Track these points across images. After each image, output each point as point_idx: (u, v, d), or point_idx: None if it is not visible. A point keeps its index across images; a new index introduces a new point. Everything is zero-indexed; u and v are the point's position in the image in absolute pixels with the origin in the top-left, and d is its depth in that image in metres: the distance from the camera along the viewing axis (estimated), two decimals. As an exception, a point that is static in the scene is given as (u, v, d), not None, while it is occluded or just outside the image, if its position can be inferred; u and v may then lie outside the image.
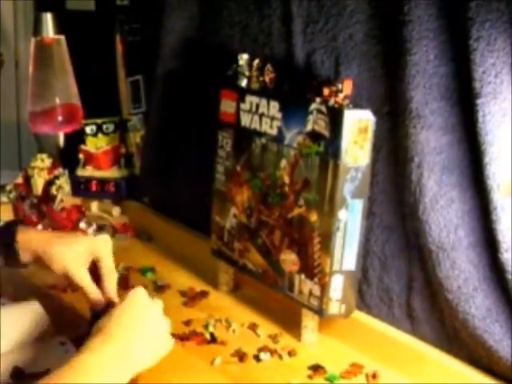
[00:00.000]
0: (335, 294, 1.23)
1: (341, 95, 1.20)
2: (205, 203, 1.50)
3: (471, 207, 1.12)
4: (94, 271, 1.23)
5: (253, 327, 1.35)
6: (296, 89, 1.32)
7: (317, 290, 1.25)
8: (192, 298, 1.46)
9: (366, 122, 1.18)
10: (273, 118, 1.31)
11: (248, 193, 1.38)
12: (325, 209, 1.21)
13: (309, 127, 1.24)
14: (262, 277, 1.37)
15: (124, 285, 1.50)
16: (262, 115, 1.33)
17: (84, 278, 1.20)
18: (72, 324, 1.27)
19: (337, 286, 1.23)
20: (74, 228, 1.81)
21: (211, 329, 1.33)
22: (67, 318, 1.30)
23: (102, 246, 1.23)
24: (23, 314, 1.29)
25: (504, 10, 1.02)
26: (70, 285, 1.26)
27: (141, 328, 1.06)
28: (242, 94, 1.38)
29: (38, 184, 1.83)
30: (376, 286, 1.28)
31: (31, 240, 1.24)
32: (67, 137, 2.03)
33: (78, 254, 1.21)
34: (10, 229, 1.26)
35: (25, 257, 1.25)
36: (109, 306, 1.24)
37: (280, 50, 1.41)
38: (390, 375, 1.20)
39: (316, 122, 1.22)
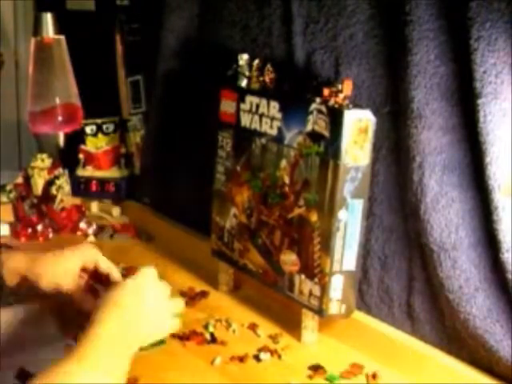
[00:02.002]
0: (335, 294, 1.23)
1: (341, 95, 1.20)
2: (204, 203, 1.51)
3: (472, 207, 1.12)
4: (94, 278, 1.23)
5: (253, 327, 1.35)
6: (296, 89, 1.32)
7: (317, 290, 1.24)
8: (192, 298, 1.46)
9: (366, 122, 1.18)
10: (273, 118, 1.31)
11: (248, 193, 1.38)
12: (325, 209, 1.21)
13: (309, 127, 1.24)
14: (262, 277, 1.37)
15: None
16: (262, 115, 1.33)
17: (76, 289, 1.19)
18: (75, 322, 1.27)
19: (337, 286, 1.23)
20: (74, 228, 1.81)
21: (211, 329, 1.33)
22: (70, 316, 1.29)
23: (91, 253, 1.23)
24: (29, 315, 1.29)
25: (504, 10, 1.02)
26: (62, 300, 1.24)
27: (151, 302, 1.06)
28: (242, 93, 1.38)
29: (38, 184, 1.83)
30: (376, 286, 1.28)
31: (16, 262, 1.21)
32: (67, 137, 2.03)
33: (67, 269, 1.20)
34: None
35: (11, 280, 1.22)
36: None
37: (280, 50, 1.41)
38: (389, 375, 1.20)
39: (316, 122, 1.22)
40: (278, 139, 1.30)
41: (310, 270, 1.25)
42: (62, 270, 1.19)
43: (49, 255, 1.23)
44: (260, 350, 1.27)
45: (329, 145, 1.20)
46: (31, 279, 1.20)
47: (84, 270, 1.22)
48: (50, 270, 1.19)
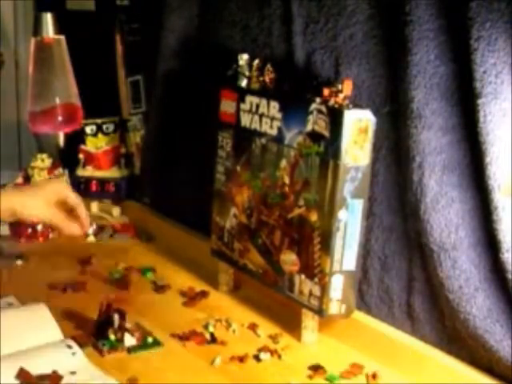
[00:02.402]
0: (335, 294, 1.23)
1: (341, 95, 1.20)
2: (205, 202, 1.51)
3: (472, 207, 1.12)
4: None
5: (253, 327, 1.35)
6: (296, 89, 1.32)
7: (317, 290, 1.24)
8: (192, 298, 1.46)
9: (366, 122, 1.18)
10: (273, 118, 1.31)
11: (248, 193, 1.38)
12: (325, 209, 1.21)
13: (309, 127, 1.24)
14: (262, 277, 1.37)
15: (124, 285, 1.51)
16: (262, 115, 1.33)
17: (57, 218, 1.31)
18: None
19: (337, 286, 1.23)
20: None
21: (211, 329, 1.33)
22: None
23: (62, 186, 1.36)
24: (30, 315, 1.29)
25: (504, 10, 1.02)
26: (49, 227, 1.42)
27: None
28: (242, 93, 1.38)
29: (38, 184, 1.83)
30: (376, 286, 1.28)
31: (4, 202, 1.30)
32: (67, 137, 2.03)
33: (45, 199, 1.31)
34: None
35: (3, 218, 1.31)
36: (110, 307, 1.26)
37: (280, 50, 1.41)
38: (390, 375, 1.20)
39: (316, 122, 1.22)
40: (278, 139, 1.30)
41: (310, 270, 1.25)
42: (41, 202, 1.31)
43: (27, 191, 1.36)
44: (260, 350, 1.27)
45: (329, 145, 1.20)
46: (18, 215, 1.29)
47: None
48: (33, 204, 1.30)
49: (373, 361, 1.23)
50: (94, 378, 1.16)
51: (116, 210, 1.90)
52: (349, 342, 1.29)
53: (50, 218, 1.31)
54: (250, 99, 1.36)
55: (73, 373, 1.16)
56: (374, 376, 1.19)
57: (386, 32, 1.21)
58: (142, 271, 1.57)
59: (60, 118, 1.65)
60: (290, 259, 1.30)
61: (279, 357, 1.26)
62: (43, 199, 1.31)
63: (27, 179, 1.84)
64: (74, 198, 1.34)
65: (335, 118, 1.19)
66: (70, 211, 1.34)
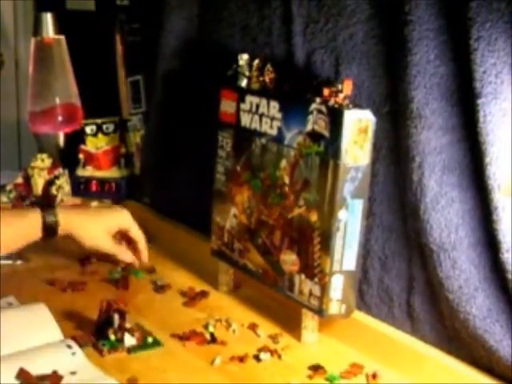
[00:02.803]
0: (335, 294, 1.23)
1: (341, 95, 1.20)
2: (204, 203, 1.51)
3: (472, 207, 1.12)
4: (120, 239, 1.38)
5: (253, 327, 1.35)
6: (296, 89, 1.32)
7: (317, 290, 1.24)
8: (192, 298, 1.46)
9: (366, 122, 1.18)
10: (273, 118, 1.31)
11: (248, 193, 1.38)
12: (325, 209, 1.21)
13: (309, 127, 1.24)
14: (262, 277, 1.37)
15: (124, 285, 1.50)
16: (262, 115, 1.33)
17: (112, 246, 1.35)
18: None
19: (337, 286, 1.23)
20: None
21: (211, 329, 1.33)
22: None
23: (126, 218, 1.37)
24: (30, 315, 1.29)
25: (504, 10, 1.02)
26: (101, 255, 1.44)
27: None
28: (242, 93, 1.38)
29: (38, 184, 1.83)
30: (376, 286, 1.28)
31: (62, 219, 1.30)
32: (67, 137, 2.03)
33: (107, 228, 1.34)
34: (50, 207, 1.32)
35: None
36: (110, 307, 1.26)
37: (280, 49, 1.41)
38: (390, 375, 1.20)
39: (316, 121, 1.22)
40: (278, 139, 1.30)
41: (310, 269, 1.25)
42: (100, 232, 1.33)
43: (88, 214, 1.36)
44: (260, 350, 1.27)
45: (329, 145, 1.20)
46: (74, 237, 1.31)
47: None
48: (90, 229, 1.32)
49: (373, 361, 1.23)
50: (93, 378, 1.16)
51: (116, 210, 1.90)
52: (349, 341, 1.29)
53: (107, 249, 1.34)
54: (250, 99, 1.36)
55: (73, 373, 1.16)
56: (374, 376, 1.19)
57: (386, 32, 1.21)
58: (134, 272, 1.53)
59: (60, 118, 1.65)
60: (290, 259, 1.30)
61: (279, 357, 1.26)
62: (104, 227, 1.33)
63: (27, 179, 1.84)
64: (136, 232, 1.37)
65: (335, 117, 1.19)
66: (128, 240, 1.38)
